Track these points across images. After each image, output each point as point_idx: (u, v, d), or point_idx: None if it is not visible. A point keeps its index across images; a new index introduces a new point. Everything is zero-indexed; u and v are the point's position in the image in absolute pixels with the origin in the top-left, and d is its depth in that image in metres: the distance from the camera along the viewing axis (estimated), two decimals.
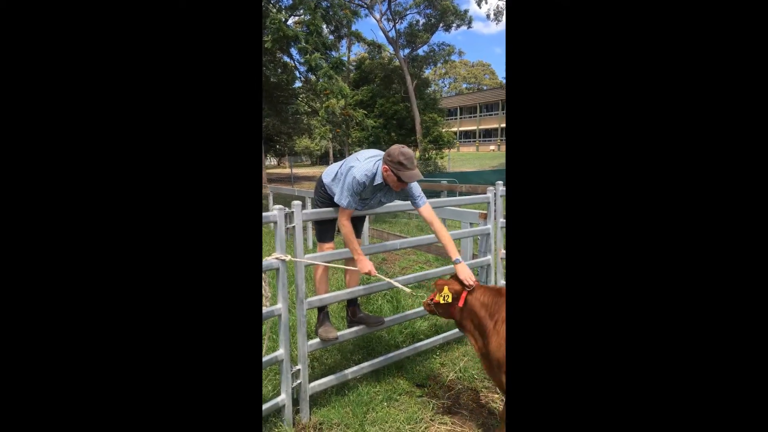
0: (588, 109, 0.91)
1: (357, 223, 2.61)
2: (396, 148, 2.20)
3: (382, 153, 2.29)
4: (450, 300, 2.09)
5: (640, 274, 0.89)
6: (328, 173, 2.48)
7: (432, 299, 2.18)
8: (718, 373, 0.84)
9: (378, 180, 2.27)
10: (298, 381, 2.28)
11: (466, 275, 2.12)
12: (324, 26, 10.41)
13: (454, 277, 2.19)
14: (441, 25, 24.23)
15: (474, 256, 3.49)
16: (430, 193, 9.50)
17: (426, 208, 2.37)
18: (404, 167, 2.16)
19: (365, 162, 2.29)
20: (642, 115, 0.89)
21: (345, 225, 2.32)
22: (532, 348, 0.96)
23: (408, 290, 2.31)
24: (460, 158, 25.15)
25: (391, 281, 2.37)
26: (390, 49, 24.66)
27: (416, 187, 2.36)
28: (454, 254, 2.25)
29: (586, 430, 0.90)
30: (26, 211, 0.86)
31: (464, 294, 2.09)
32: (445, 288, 2.12)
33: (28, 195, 0.86)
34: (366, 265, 2.32)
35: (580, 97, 0.92)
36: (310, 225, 2.29)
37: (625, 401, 0.88)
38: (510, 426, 0.99)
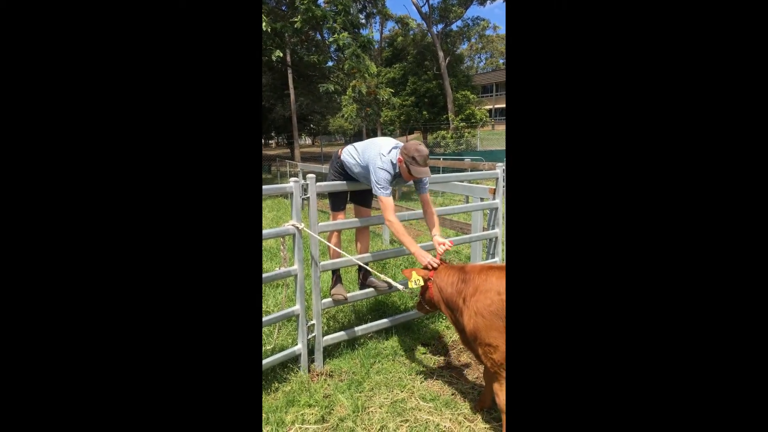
0: (582, 97, 0.93)
1: (364, 196, 2.85)
2: (413, 144, 2.42)
3: (400, 144, 2.54)
4: (422, 282, 2.25)
5: (636, 257, 0.88)
6: (347, 151, 2.71)
7: (420, 300, 2.34)
8: (719, 371, 0.82)
9: (396, 169, 2.51)
10: (313, 334, 2.59)
11: (433, 253, 2.30)
12: (353, 4, 10.45)
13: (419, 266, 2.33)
14: None
15: (484, 229, 3.66)
16: (453, 171, 9.55)
17: (425, 195, 2.65)
18: (416, 163, 2.37)
19: (389, 155, 2.50)
20: (635, 102, 0.89)
21: (393, 222, 2.43)
22: (531, 327, 0.96)
23: (402, 288, 2.55)
24: (495, 137, 24.58)
25: (390, 281, 2.61)
26: (422, 24, 24.19)
27: (425, 178, 2.58)
28: (435, 231, 2.53)
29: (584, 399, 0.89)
30: (25, 201, 0.86)
31: (432, 274, 2.21)
32: (413, 273, 2.23)
33: (26, 185, 0.86)
34: (424, 258, 2.32)
35: (576, 85, 0.94)
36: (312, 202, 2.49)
37: (625, 374, 0.87)
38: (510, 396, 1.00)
